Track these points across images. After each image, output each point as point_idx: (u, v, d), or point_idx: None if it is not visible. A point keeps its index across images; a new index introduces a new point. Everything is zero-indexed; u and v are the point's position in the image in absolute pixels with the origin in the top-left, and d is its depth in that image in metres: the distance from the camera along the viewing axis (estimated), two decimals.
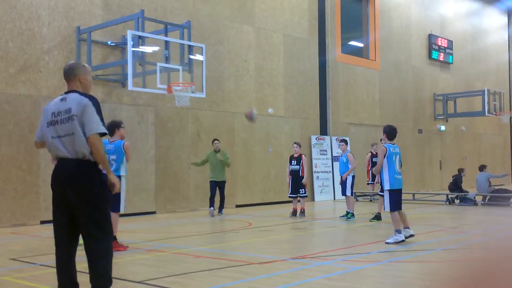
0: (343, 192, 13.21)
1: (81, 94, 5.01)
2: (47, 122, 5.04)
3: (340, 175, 13.32)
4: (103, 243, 4.90)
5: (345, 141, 13.51)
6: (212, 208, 14.21)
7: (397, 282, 6.21)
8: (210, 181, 14.47)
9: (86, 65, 5.37)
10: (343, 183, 13.12)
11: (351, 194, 13.21)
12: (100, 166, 5.04)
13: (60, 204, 4.94)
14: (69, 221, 4.91)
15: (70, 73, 5.16)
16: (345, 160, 13.14)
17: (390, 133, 9.42)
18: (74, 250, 5.02)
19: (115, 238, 8.61)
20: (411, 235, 9.12)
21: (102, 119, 5.01)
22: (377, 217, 12.46)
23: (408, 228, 9.16)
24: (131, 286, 5.99)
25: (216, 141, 14.60)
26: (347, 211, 13.02)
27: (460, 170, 18.19)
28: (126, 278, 6.40)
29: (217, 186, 14.35)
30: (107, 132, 5.11)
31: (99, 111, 4.98)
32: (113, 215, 8.85)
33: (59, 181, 4.95)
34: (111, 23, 13.78)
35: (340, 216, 13.27)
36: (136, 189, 14.67)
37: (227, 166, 14.46)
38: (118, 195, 8.29)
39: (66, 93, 5.11)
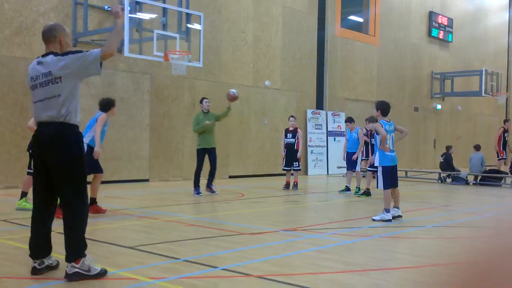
0: (353, 167, 13.11)
1: (56, 54, 4.92)
2: (30, 87, 5.01)
3: (348, 150, 13.17)
4: (79, 208, 4.90)
5: (353, 120, 13.46)
6: (198, 188, 11.90)
7: (388, 257, 6.25)
8: (198, 150, 12.05)
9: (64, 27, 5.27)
10: (353, 160, 13.03)
11: (360, 169, 13.33)
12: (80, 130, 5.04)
13: (40, 169, 4.95)
14: (47, 185, 4.93)
15: (50, 34, 5.03)
16: (355, 136, 13.03)
17: (384, 109, 9.12)
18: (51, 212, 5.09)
19: (95, 201, 8.65)
20: (399, 216, 8.91)
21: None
22: (366, 193, 12.50)
23: (397, 208, 8.96)
24: (122, 251, 6.00)
25: (205, 99, 12.15)
26: (357, 187, 13.00)
27: (448, 148, 18.23)
28: (117, 243, 6.41)
29: (207, 154, 12.02)
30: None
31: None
32: (98, 177, 8.88)
33: (38, 145, 4.94)
34: None
35: (354, 193, 12.91)
36: (130, 157, 14.66)
37: (219, 120, 12.07)
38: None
39: (43, 56, 4.99)
